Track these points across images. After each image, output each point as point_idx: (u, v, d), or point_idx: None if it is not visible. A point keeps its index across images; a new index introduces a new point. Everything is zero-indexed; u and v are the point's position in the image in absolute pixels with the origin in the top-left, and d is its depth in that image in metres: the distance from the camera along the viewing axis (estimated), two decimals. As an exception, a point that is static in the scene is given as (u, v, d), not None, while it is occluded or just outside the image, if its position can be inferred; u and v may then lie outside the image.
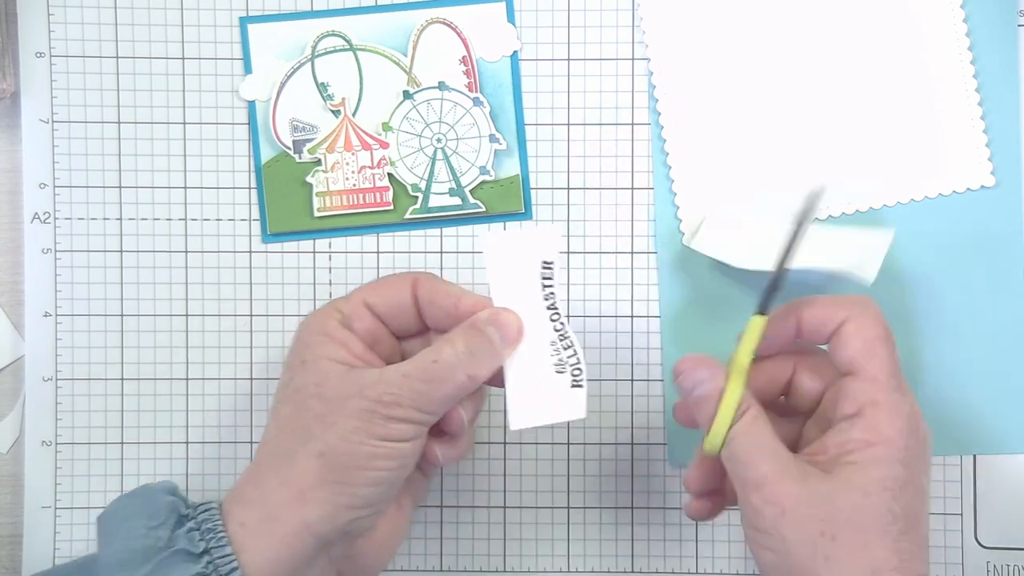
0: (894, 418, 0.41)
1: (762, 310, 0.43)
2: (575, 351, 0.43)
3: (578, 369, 0.43)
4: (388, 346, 0.46)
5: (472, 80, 0.52)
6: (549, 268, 0.43)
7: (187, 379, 0.52)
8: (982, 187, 0.51)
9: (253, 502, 0.42)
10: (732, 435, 0.41)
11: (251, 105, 0.52)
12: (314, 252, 0.52)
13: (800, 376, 0.45)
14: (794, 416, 0.46)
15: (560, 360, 0.43)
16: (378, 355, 0.45)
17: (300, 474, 0.42)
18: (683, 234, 0.52)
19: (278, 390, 0.45)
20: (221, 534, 0.42)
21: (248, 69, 0.52)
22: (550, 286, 0.43)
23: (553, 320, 0.43)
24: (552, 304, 0.43)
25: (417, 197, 0.52)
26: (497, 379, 0.44)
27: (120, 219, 0.52)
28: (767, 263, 0.44)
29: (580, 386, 0.43)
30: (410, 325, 0.45)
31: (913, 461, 0.40)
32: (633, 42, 0.52)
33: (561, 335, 0.43)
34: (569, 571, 0.52)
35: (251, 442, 0.52)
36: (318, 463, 0.41)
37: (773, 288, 0.43)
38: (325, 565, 0.44)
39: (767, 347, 0.44)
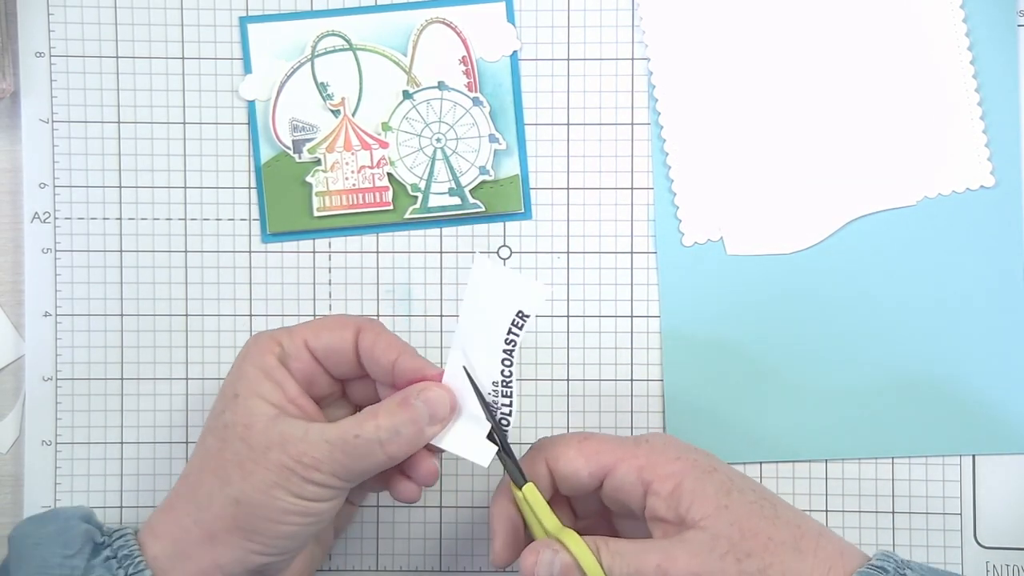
0: (660, 462, 0.42)
1: (521, 483, 0.43)
2: (511, 403, 0.43)
3: (506, 420, 0.44)
4: (325, 385, 0.46)
5: (472, 80, 0.52)
6: (523, 319, 0.42)
7: (187, 379, 0.52)
8: (982, 187, 0.51)
9: (165, 535, 0.43)
10: (609, 571, 0.41)
11: (251, 105, 0.52)
12: (314, 252, 0.52)
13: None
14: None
15: (493, 402, 0.44)
16: (314, 395, 0.45)
17: (213, 517, 0.42)
18: (680, 220, 0.52)
19: (209, 418, 0.44)
20: (139, 559, 0.42)
21: (248, 69, 0.52)
22: (516, 335, 0.43)
23: (504, 365, 0.43)
24: (510, 352, 0.43)
25: (417, 197, 0.52)
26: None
27: (120, 219, 0.52)
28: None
29: (504, 429, 0.44)
30: (350, 371, 0.45)
31: (716, 466, 0.43)
32: (633, 42, 0.52)
33: (505, 383, 0.43)
34: None
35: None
36: (233, 509, 0.42)
37: (512, 464, 0.44)
38: None
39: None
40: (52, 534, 0.43)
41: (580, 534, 0.43)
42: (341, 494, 0.43)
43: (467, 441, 0.44)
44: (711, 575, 0.40)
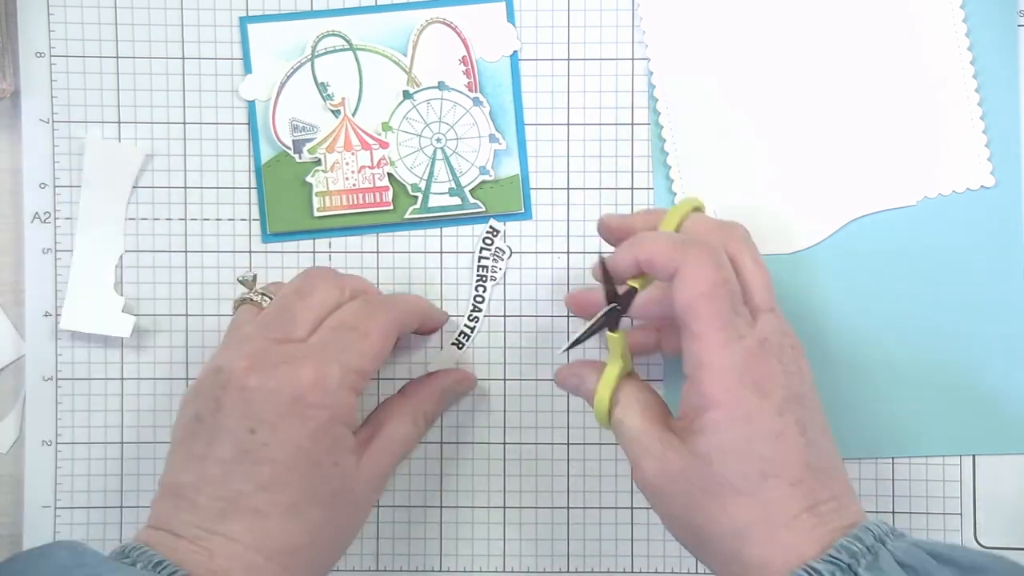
0: (721, 377, 0.40)
1: (614, 328, 0.44)
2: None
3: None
4: None
5: (472, 80, 0.52)
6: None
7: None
8: (982, 187, 0.51)
9: None
10: (613, 422, 0.44)
11: (251, 105, 0.52)
12: (314, 252, 0.52)
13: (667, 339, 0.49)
14: None
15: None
16: None
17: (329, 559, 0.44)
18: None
19: (305, 484, 0.41)
20: None
21: (248, 69, 0.52)
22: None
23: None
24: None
25: (417, 197, 0.52)
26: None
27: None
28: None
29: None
30: None
31: (754, 413, 0.39)
32: (633, 42, 0.52)
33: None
34: (569, 571, 0.52)
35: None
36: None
37: (614, 313, 0.43)
38: None
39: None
40: None
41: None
42: None
43: None
44: (665, 495, 0.41)
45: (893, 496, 0.52)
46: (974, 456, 0.52)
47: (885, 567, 0.37)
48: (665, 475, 0.41)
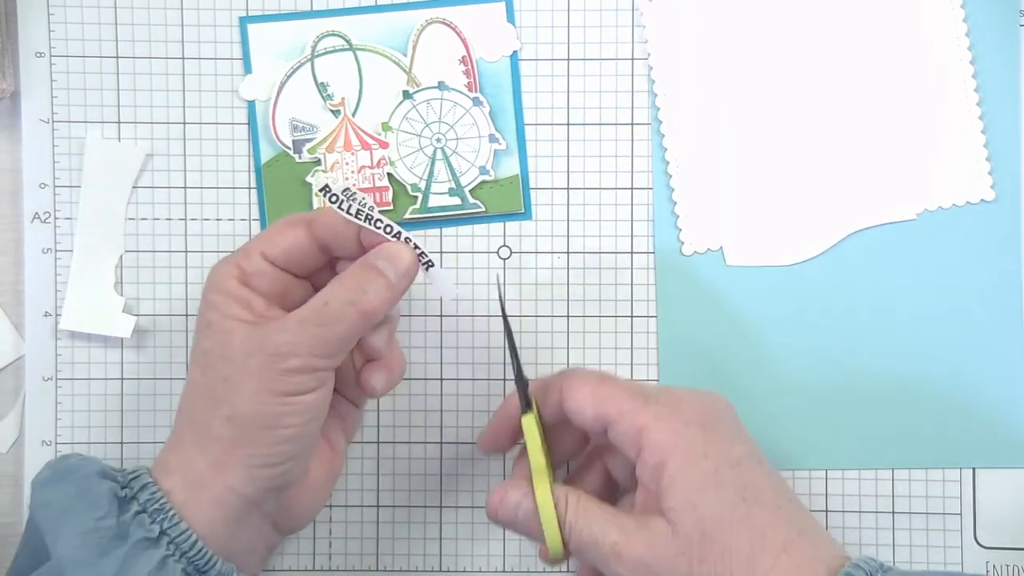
0: (658, 429, 0.42)
1: (526, 409, 0.44)
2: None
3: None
4: (297, 290, 0.45)
5: (472, 80, 0.52)
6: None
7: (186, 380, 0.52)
8: (982, 200, 0.51)
9: (175, 470, 0.42)
10: (568, 530, 0.42)
11: (251, 105, 0.52)
12: (314, 252, 0.52)
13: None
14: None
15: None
16: (287, 306, 0.44)
17: (214, 441, 0.42)
18: (680, 229, 0.52)
19: (191, 353, 0.45)
20: (171, 512, 0.41)
21: (248, 69, 0.52)
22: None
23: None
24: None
25: (417, 197, 0.52)
26: None
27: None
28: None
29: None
30: (314, 264, 0.45)
31: (707, 445, 0.42)
32: (633, 42, 0.52)
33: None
34: (569, 571, 0.52)
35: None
36: (229, 428, 0.42)
37: (521, 387, 0.44)
38: (258, 521, 0.44)
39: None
40: (73, 495, 0.41)
41: (584, 461, 0.45)
42: (327, 379, 0.43)
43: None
44: (660, 571, 0.40)
45: (893, 496, 0.52)
46: (974, 470, 0.52)
47: None
48: (654, 551, 0.41)
